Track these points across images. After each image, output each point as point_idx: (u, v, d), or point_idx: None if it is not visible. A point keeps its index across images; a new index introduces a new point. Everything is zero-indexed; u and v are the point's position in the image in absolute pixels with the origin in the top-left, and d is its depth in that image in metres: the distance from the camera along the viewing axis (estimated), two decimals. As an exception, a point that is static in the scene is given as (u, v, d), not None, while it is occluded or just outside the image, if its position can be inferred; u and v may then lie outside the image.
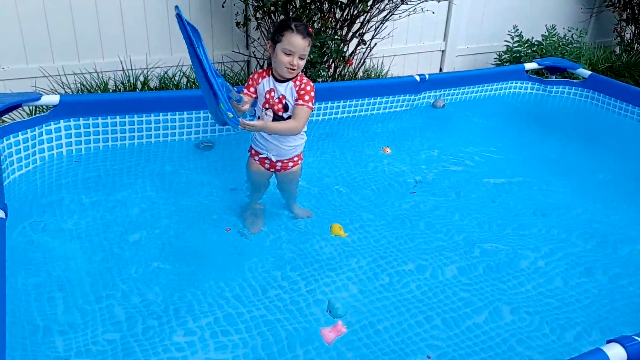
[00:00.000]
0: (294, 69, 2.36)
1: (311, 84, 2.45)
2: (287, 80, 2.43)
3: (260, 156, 2.54)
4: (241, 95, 2.37)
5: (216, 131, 3.28)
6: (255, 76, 2.49)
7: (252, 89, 2.48)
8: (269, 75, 2.46)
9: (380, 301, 2.13)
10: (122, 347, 1.83)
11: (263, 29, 3.97)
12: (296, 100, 2.44)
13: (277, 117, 2.45)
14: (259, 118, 2.48)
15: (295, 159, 2.54)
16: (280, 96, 2.43)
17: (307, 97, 2.43)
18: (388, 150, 3.38)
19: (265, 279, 2.20)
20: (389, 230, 2.56)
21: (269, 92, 2.44)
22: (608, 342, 1.59)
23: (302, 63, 2.38)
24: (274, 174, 2.59)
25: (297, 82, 2.44)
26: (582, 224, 2.74)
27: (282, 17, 3.79)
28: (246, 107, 2.43)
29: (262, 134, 2.47)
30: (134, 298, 2.05)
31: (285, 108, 2.45)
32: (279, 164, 2.52)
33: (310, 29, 2.38)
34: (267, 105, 2.45)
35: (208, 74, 2.09)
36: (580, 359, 1.53)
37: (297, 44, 2.32)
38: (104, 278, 2.13)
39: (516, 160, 3.40)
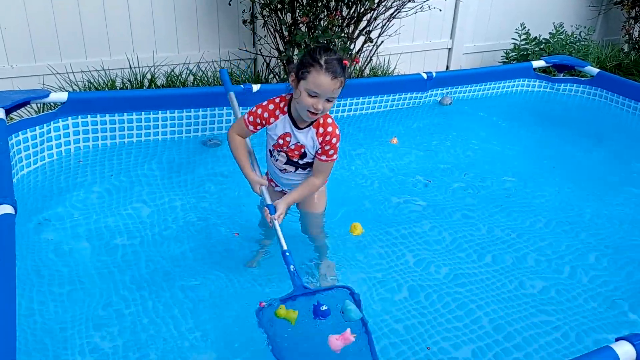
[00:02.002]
0: (316, 114, 1.94)
1: (337, 132, 2.04)
2: (308, 125, 2.03)
3: (276, 189, 2.25)
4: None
5: (223, 129, 3.29)
6: (265, 115, 2.05)
7: (258, 127, 2.10)
8: (283, 114, 2.04)
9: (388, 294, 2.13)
10: (124, 347, 1.83)
11: (270, 27, 3.96)
12: (319, 154, 2.04)
13: (291, 162, 2.11)
14: (271, 154, 2.13)
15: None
16: (298, 144, 2.05)
17: (331, 152, 2.04)
18: (395, 141, 3.38)
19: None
20: (397, 227, 2.55)
21: (284, 136, 2.05)
22: (617, 339, 1.58)
23: (330, 106, 1.94)
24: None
25: (321, 130, 2.02)
26: (590, 221, 2.72)
27: (288, 14, 3.79)
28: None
29: (274, 170, 2.15)
30: (141, 294, 2.05)
31: (303, 156, 2.08)
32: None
33: (345, 62, 1.94)
34: (279, 149, 2.09)
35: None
36: (589, 357, 1.52)
37: (326, 85, 1.87)
38: (111, 273, 2.14)
39: (524, 158, 3.39)
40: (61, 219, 2.43)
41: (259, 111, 2.08)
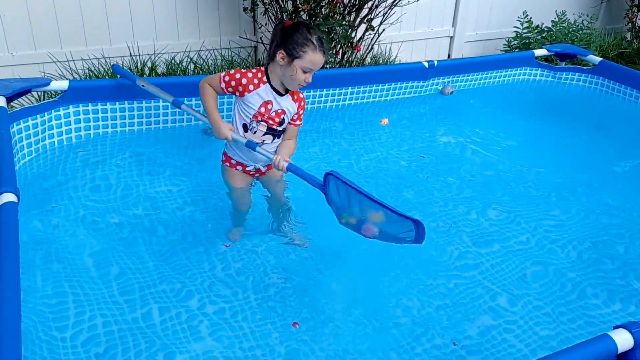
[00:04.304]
0: (304, 86, 2.18)
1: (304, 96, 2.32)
2: (285, 92, 2.24)
3: (247, 168, 2.35)
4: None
5: (224, 117, 3.28)
6: (244, 81, 2.17)
7: (229, 90, 2.19)
8: (264, 84, 2.20)
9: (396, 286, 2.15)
10: (120, 334, 1.85)
11: (270, 15, 3.94)
12: (294, 119, 2.28)
13: (271, 131, 2.26)
14: (246, 129, 2.24)
15: None
16: (280, 110, 2.23)
17: (302, 116, 2.32)
18: (385, 122, 3.38)
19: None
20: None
21: (265, 104, 2.20)
22: (615, 327, 1.59)
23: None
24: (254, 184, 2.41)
25: (296, 97, 2.26)
26: (592, 210, 2.73)
27: (289, 2, 3.77)
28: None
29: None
30: (142, 281, 2.07)
31: (281, 123, 2.26)
32: (265, 167, 2.37)
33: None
34: (259, 118, 2.22)
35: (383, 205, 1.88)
36: (587, 345, 1.53)
37: (319, 62, 2.13)
38: (111, 262, 2.15)
39: (525, 147, 3.39)
40: (62, 207, 2.43)
41: (237, 76, 2.19)
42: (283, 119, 2.25)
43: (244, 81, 2.18)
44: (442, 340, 1.90)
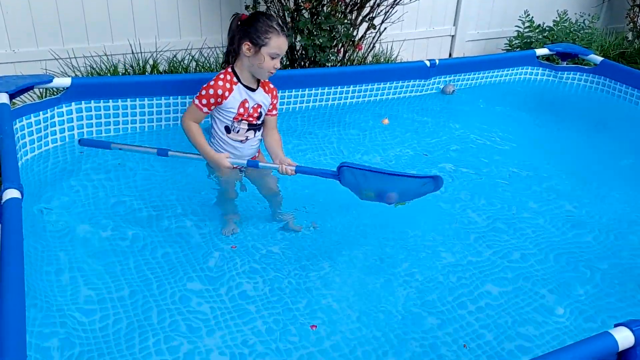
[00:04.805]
0: (273, 73, 2.23)
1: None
2: (256, 86, 2.29)
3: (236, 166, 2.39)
4: None
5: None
6: (219, 91, 2.22)
7: (212, 107, 2.24)
8: (236, 84, 2.25)
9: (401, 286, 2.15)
10: (126, 331, 1.86)
11: (272, 13, 3.94)
12: (270, 110, 2.34)
13: (251, 126, 2.33)
14: (229, 131, 2.30)
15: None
16: (256, 105, 2.30)
17: (277, 105, 2.38)
18: (386, 121, 3.38)
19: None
20: (400, 214, 2.56)
21: (242, 104, 2.26)
22: (616, 325, 1.60)
23: None
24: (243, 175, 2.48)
25: (267, 88, 2.31)
26: (592, 209, 2.74)
27: (291, 0, 3.77)
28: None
29: (235, 145, 2.34)
30: (145, 279, 2.08)
31: (259, 116, 2.33)
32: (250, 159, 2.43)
33: None
34: (239, 118, 2.28)
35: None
36: (588, 342, 1.54)
37: (284, 45, 2.19)
38: (113, 260, 2.15)
39: (526, 146, 3.39)
40: (64, 204, 2.44)
41: (211, 91, 2.24)
42: (260, 112, 2.34)
43: (219, 92, 2.24)
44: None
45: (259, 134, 2.42)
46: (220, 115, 2.31)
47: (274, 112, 2.39)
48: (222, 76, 2.27)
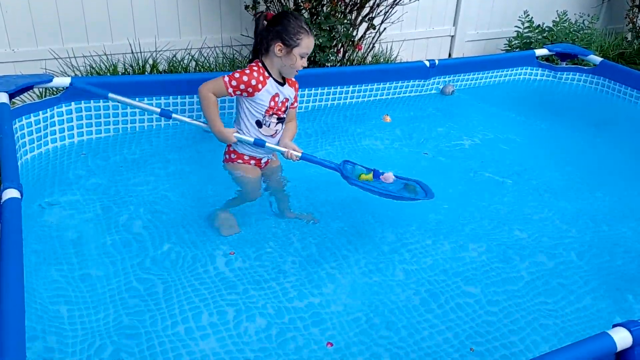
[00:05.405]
0: (299, 71, 2.32)
1: None
2: (284, 81, 2.36)
3: (262, 161, 2.47)
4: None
5: (225, 115, 3.29)
6: (253, 82, 2.25)
7: (237, 93, 2.27)
8: (268, 79, 2.30)
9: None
10: (128, 327, 1.86)
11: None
12: (292, 104, 2.43)
13: (280, 120, 2.40)
14: (260, 125, 2.34)
15: None
16: (284, 99, 2.37)
17: (298, 99, 2.46)
18: (388, 119, 3.39)
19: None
20: (400, 215, 2.57)
21: (274, 98, 2.31)
22: (614, 326, 1.60)
23: None
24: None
25: (291, 82, 2.39)
26: (591, 209, 2.74)
27: (291, 0, 3.77)
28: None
29: (265, 140, 2.38)
30: (147, 278, 2.08)
31: (285, 110, 2.40)
32: (272, 155, 2.52)
33: None
34: (270, 112, 2.33)
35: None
36: (586, 343, 1.54)
37: (312, 45, 2.27)
38: (113, 259, 2.15)
39: (526, 146, 3.40)
40: (64, 203, 2.44)
41: (245, 78, 2.26)
42: (287, 106, 2.39)
43: (253, 82, 2.26)
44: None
45: (282, 126, 2.47)
46: (252, 109, 2.32)
47: (295, 104, 2.45)
48: (255, 68, 2.29)
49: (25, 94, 3.07)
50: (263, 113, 2.31)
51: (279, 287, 2.08)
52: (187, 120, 2.52)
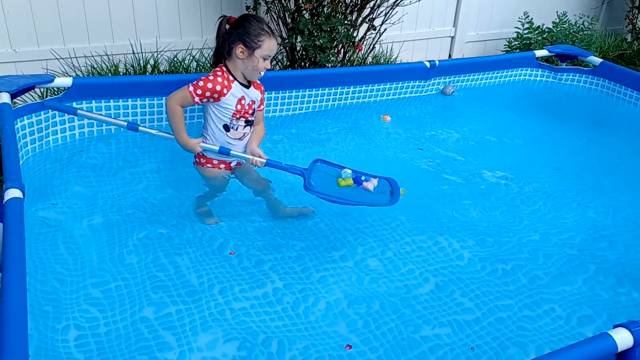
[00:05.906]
0: (263, 73, 2.33)
1: None
2: (249, 84, 2.37)
3: (232, 164, 2.49)
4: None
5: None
6: (218, 87, 2.27)
7: (204, 100, 2.28)
8: (233, 82, 2.31)
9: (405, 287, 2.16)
10: (131, 326, 1.87)
11: (273, 14, 3.95)
12: (259, 107, 2.45)
13: (248, 123, 2.41)
14: (228, 129, 2.36)
15: None
16: (251, 102, 2.38)
17: (265, 101, 2.47)
18: (388, 118, 3.39)
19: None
20: (401, 215, 2.58)
21: (240, 101, 2.33)
22: (615, 326, 1.61)
23: None
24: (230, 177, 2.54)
25: (257, 85, 2.40)
26: (590, 210, 2.75)
27: (292, 1, 3.78)
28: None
29: (233, 143, 2.40)
30: (143, 276, 2.08)
31: (253, 112, 2.42)
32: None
33: None
34: (237, 115, 2.35)
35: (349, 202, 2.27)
36: (587, 343, 1.55)
37: (275, 47, 2.30)
38: (114, 257, 2.16)
39: (525, 147, 3.41)
40: (66, 203, 2.44)
41: (209, 85, 2.27)
42: (254, 108, 2.42)
43: (218, 87, 2.27)
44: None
45: (251, 129, 2.48)
46: (218, 114, 2.34)
47: (262, 106, 2.47)
48: (219, 73, 2.31)
49: (27, 94, 3.08)
50: (230, 117, 2.34)
51: (275, 287, 2.08)
52: (154, 132, 2.51)
